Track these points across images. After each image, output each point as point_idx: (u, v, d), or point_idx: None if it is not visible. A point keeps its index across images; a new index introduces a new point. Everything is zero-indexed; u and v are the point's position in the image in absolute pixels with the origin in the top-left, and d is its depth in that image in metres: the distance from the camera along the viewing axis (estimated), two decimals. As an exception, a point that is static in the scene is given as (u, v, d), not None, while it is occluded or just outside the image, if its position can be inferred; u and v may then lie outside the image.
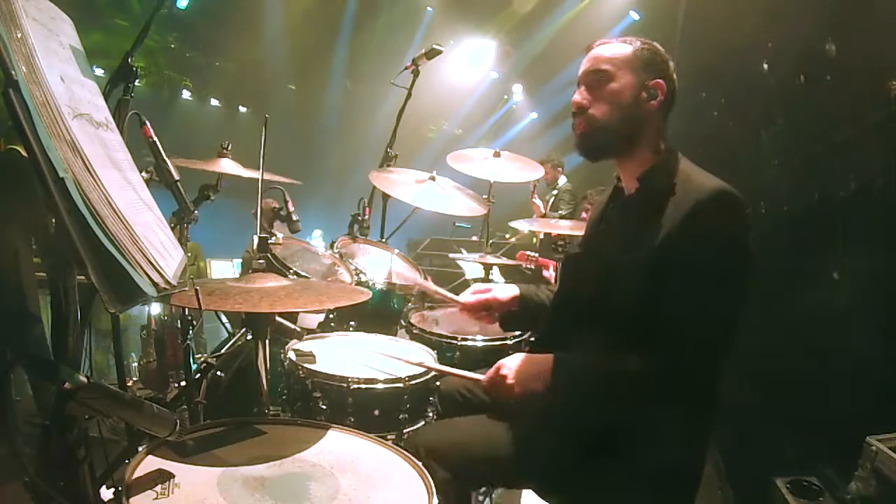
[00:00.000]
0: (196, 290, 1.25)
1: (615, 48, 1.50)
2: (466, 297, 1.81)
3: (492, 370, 1.53)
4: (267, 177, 2.03)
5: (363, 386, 1.72)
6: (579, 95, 1.50)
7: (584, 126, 1.49)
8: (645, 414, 1.36)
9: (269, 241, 2.23)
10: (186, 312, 2.20)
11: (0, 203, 2.74)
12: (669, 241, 1.34)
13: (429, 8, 9.36)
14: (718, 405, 1.42)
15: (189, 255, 1.80)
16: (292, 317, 2.08)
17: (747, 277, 1.35)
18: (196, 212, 2.27)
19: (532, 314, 1.78)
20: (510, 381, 1.47)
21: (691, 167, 1.46)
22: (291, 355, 1.83)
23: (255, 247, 1.74)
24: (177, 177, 1.67)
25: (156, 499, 1.06)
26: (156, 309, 3.47)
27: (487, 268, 3.29)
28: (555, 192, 5.92)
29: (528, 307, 1.78)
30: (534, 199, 5.56)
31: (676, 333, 1.30)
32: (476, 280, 5.05)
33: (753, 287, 1.34)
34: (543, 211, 5.60)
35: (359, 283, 2.50)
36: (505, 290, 1.80)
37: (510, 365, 1.49)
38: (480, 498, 2.06)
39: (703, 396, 1.39)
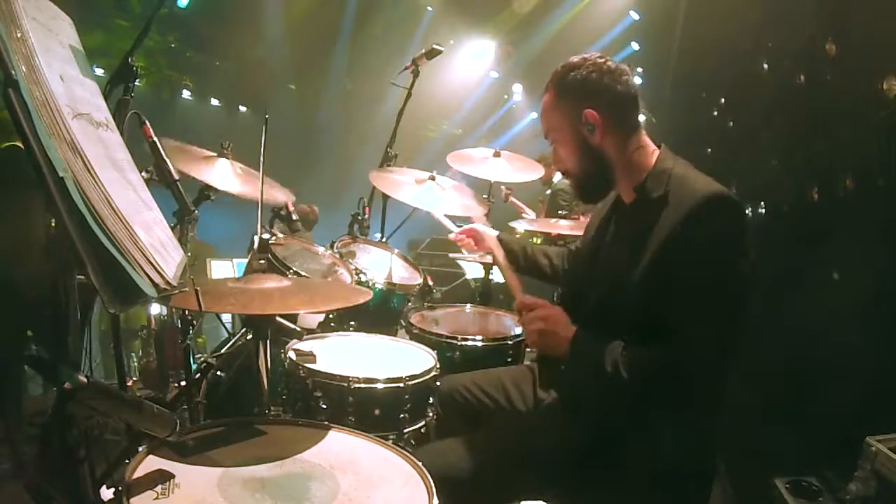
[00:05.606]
0: (196, 290, 1.25)
1: (545, 103, 1.50)
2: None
3: (536, 304, 1.48)
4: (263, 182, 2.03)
5: (364, 385, 1.72)
6: (554, 159, 1.56)
7: (571, 181, 1.55)
8: (652, 416, 1.36)
9: (270, 242, 2.23)
10: (186, 312, 2.20)
11: (3, 203, 2.73)
12: (666, 248, 1.33)
13: (429, 8, 9.37)
14: (723, 408, 1.42)
15: (189, 255, 1.79)
16: (292, 317, 2.07)
17: (746, 280, 1.32)
18: (196, 211, 2.26)
19: (515, 258, 2.00)
20: (538, 325, 1.44)
21: (686, 170, 1.43)
22: (292, 355, 1.83)
23: (255, 247, 1.74)
24: (177, 177, 1.68)
25: (156, 499, 1.06)
26: (156, 309, 3.47)
27: (487, 267, 3.29)
28: (548, 191, 5.90)
29: (508, 250, 2.00)
30: (512, 200, 5.59)
31: (677, 336, 1.30)
32: (476, 280, 5.06)
33: (753, 288, 1.33)
34: (524, 209, 5.63)
35: (359, 283, 2.50)
36: (486, 229, 2.11)
37: (549, 312, 1.45)
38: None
39: (710, 399, 1.39)
